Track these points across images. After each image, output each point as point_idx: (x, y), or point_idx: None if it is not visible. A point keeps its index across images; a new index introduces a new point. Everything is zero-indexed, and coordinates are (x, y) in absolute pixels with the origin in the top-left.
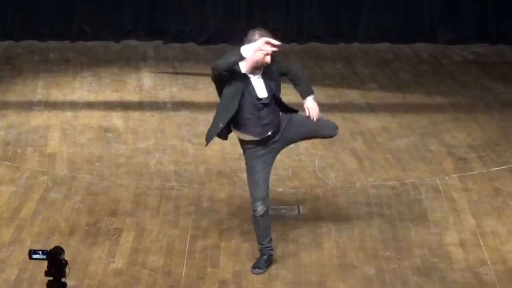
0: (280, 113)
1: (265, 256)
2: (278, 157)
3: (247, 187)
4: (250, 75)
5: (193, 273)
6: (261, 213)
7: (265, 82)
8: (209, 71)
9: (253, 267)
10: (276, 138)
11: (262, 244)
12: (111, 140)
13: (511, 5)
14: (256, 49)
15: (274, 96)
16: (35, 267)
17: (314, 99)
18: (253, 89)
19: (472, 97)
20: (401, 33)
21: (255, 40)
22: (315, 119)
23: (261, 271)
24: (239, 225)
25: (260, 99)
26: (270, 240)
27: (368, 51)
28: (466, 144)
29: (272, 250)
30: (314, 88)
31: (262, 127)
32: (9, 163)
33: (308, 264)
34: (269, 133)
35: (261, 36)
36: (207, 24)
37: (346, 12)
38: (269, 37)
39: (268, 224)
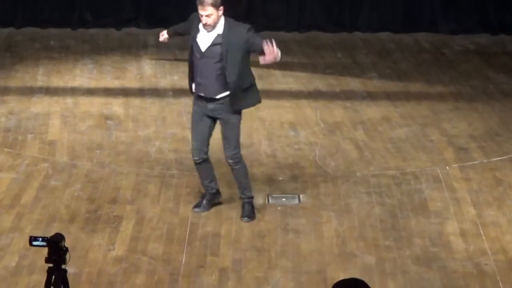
0: (228, 91)
1: (207, 195)
2: (278, 145)
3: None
4: (201, 28)
5: (193, 261)
6: (199, 161)
7: (216, 41)
8: None
9: (194, 206)
10: (212, 107)
11: (203, 184)
12: (112, 127)
13: None
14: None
15: (224, 62)
16: (35, 254)
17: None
18: (197, 42)
19: (473, 87)
20: (403, 22)
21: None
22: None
23: (198, 209)
24: (239, 213)
25: (200, 52)
26: (212, 181)
27: (369, 40)
28: (467, 134)
29: (213, 189)
30: (315, 77)
31: (197, 84)
32: (9, 150)
33: (308, 252)
34: (201, 94)
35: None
36: None
37: (347, 1)
38: (208, 3)
39: (207, 170)
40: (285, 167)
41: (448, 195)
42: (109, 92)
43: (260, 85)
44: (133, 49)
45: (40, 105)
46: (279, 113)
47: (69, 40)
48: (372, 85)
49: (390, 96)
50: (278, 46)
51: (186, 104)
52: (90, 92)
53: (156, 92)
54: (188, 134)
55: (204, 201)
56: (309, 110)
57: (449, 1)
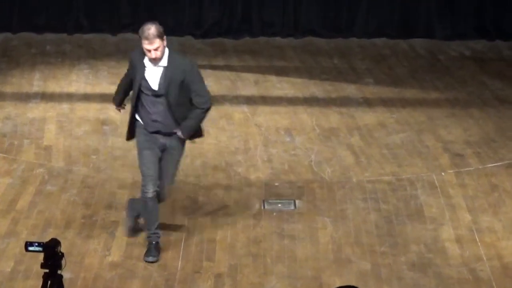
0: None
1: (154, 243)
2: (274, 151)
3: (243, 181)
4: (147, 65)
5: (188, 266)
6: (152, 194)
7: (163, 75)
8: (206, 63)
9: (147, 255)
10: (164, 140)
11: (151, 230)
12: (108, 133)
13: (509, 1)
14: None
15: (169, 100)
16: (31, 259)
17: (183, 137)
18: (147, 80)
19: (469, 93)
20: (398, 28)
21: (139, 36)
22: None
23: (155, 258)
24: (235, 219)
25: (151, 89)
26: (158, 225)
27: (365, 46)
28: (463, 140)
29: (159, 237)
30: (311, 82)
31: (150, 122)
32: (5, 155)
33: (304, 258)
34: (157, 130)
35: (142, 34)
36: (204, 18)
37: (343, 6)
38: (154, 33)
39: (157, 209)
40: (281, 172)
41: (444, 201)
42: (105, 97)
43: (256, 91)
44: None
45: (36, 110)
46: (275, 118)
47: (65, 45)
48: (368, 91)
49: (386, 102)
50: (273, 52)
51: None
52: (86, 97)
53: None
54: None
55: (154, 249)
56: (305, 115)
57: (445, 7)
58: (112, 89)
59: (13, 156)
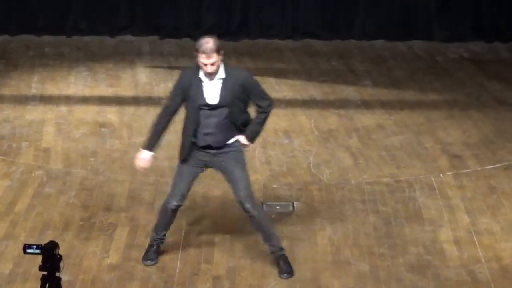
0: (235, 138)
1: (154, 247)
2: (272, 153)
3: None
4: (204, 79)
5: (187, 268)
6: (176, 208)
7: (226, 89)
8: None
9: (145, 259)
10: (216, 154)
11: (158, 235)
12: (106, 135)
13: (507, 3)
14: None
15: (232, 110)
16: (29, 261)
17: (248, 143)
18: (203, 96)
19: (467, 95)
20: (397, 30)
21: (196, 50)
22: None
23: (153, 262)
24: (233, 221)
25: (208, 104)
26: (165, 234)
27: (364, 48)
28: (461, 142)
29: (163, 242)
30: (309, 84)
31: (201, 135)
32: (4, 158)
33: (302, 260)
34: (208, 144)
35: (199, 47)
36: (203, 20)
37: (341, 8)
38: (212, 47)
39: (172, 220)
40: (280, 174)
41: (442, 202)
42: (103, 99)
43: None
44: (128, 57)
45: (34, 112)
46: (274, 120)
47: (63, 48)
48: (366, 93)
49: (384, 104)
50: (272, 54)
51: (181, 111)
52: (85, 99)
53: (150, 100)
54: None
55: (154, 253)
56: (304, 117)
57: (444, 9)
58: (110, 91)
59: (11, 159)
